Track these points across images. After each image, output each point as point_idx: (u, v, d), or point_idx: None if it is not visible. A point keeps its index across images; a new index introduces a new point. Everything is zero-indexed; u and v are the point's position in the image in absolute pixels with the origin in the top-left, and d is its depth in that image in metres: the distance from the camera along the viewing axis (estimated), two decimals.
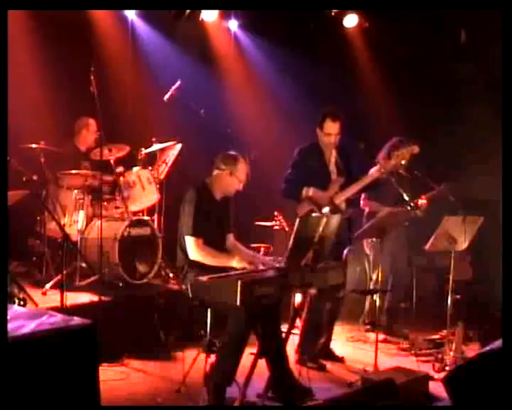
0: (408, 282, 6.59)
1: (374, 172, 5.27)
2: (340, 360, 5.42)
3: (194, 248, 4.35)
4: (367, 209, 6.26)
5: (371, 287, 6.19)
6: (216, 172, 4.54)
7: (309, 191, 5.14)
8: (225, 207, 4.66)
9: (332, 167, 5.36)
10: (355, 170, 5.42)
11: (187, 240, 4.37)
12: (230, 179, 4.51)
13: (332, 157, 5.36)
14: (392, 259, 6.12)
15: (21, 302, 4.77)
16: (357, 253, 6.72)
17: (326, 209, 5.06)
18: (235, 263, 4.29)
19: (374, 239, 6.11)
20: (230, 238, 4.71)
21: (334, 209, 5.12)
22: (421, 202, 6.18)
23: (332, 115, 5.21)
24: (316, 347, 5.30)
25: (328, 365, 5.28)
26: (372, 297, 6.09)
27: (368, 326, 6.28)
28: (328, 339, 5.50)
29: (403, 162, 5.57)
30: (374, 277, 6.23)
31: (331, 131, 5.21)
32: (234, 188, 4.56)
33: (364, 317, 6.47)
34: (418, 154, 6.38)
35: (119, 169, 6.14)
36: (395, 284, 6.18)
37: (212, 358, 4.23)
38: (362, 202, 6.27)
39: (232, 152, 4.63)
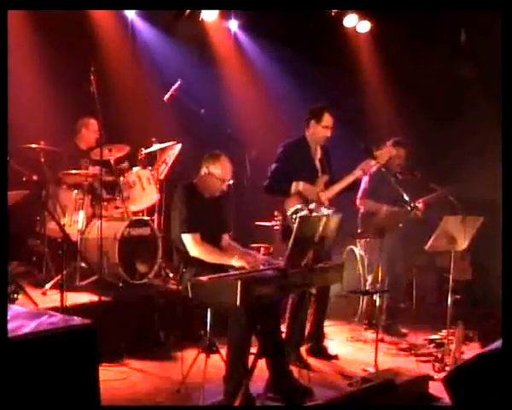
0: (405, 282, 6.59)
1: (356, 171, 5.29)
2: (334, 358, 5.43)
3: (192, 245, 4.34)
4: (362, 209, 6.26)
5: (367, 287, 6.19)
6: (199, 172, 4.55)
7: (299, 186, 5.14)
8: (218, 206, 4.63)
9: (317, 163, 5.38)
10: (352, 169, 5.43)
11: (184, 238, 4.36)
12: (211, 180, 4.49)
13: (317, 153, 5.38)
14: (390, 259, 6.12)
15: (14, 295, 4.77)
16: (351, 253, 6.72)
17: (312, 206, 5.06)
18: (235, 262, 4.28)
19: (368, 239, 6.11)
20: (226, 238, 4.70)
21: (320, 206, 5.13)
22: (418, 205, 6.17)
23: (329, 108, 5.26)
24: (299, 345, 5.30)
25: (327, 365, 5.30)
26: (372, 297, 6.09)
27: (366, 326, 6.28)
28: (321, 337, 5.53)
29: (381, 163, 5.57)
30: (369, 278, 6.23)
31: (329, 123, 5.25)
32: (217, 188, 4.52)
33: (359, 317, 6.46)
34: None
35: (124, 164, 6.14)
36: (393, 285, 6.19)
37: (212, 358, 4.24)
38: (358, 200, 6.27)
39: (215, 151, 4.56)
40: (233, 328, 4.05)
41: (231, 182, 4.71)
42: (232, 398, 4.01)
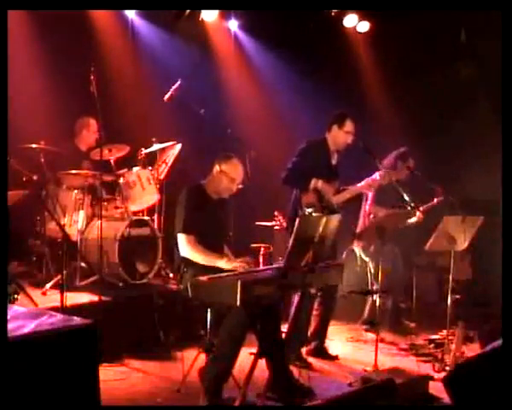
0: (406, 282, 6.60)
1: (363, 185, 5.44)
2: (335, 358, 5.44)
3: (184, 245, 4.37)
4: (372, 215, 6.27)
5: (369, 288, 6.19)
6: (211, 172, 4.58)
7: (318, 183, 5.19)
8: (222, 208, 4.66)
9: (333, 168, 5.44)
10: (355, 170, 5.47)
11: (178, 237, 4.40)
12: (222, 179, 4.52)
13: (334, 159, 5.43)
14: (390, 260, 6.13)
15: (14, 296, 4.77)
16: (351, 253, 6.71)
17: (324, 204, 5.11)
18: (224, 264, 4.29)
19: (372, 247, 6.12)
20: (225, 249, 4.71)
21: (332, 207, 5.16)
22: (418, 214, 6.20)
23: (350, 115, 5.37)
24: (301, 345, 5.32)
25: (327, 365, 5.30)
26: (372, 297, 6.09)
27: (367, 326, 6.28)
28: (323, 338, 5.53)
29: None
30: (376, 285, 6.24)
31: (351, 129, 5.34)
32: (226, 188, 4.56)
33: (364, 318, 6.46)
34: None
35: (123, 171, 6.14)
36: (395, 286, 6.21)
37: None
38: (368, 207, 6.30)
39: (228, 153, 4.64)
40: (230, 325, 4.04)
41: (240, 187, 4.73)
42: (215, 387, 4.06)
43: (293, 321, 5.18)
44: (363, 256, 6.33)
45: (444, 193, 6.21)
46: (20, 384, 2.78)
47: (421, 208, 6.10)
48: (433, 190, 6.27)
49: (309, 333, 5.47)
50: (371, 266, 6.21)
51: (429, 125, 7.95)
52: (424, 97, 7.99)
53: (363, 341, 6.04)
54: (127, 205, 6.06)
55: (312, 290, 5.29)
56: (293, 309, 5.22)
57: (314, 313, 5.46)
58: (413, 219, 6.12)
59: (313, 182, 5.19)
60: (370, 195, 6.24)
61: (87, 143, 6.37)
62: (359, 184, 5.45)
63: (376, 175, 5.47)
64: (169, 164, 6.51)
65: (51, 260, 5.74)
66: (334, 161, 5.46)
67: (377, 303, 5.31)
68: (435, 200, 6.28)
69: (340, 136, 5.36)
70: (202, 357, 4.37)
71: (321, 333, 5.51)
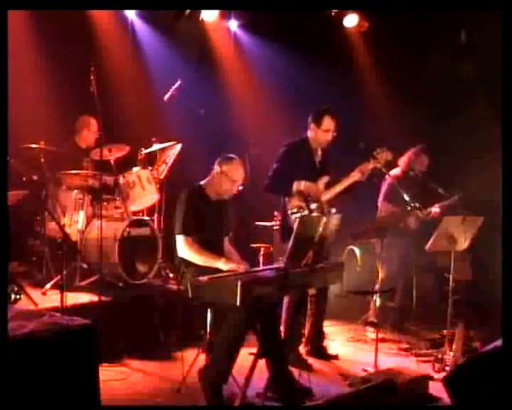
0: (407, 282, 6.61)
1: (354, 173, 5.28)
2: (335, 358, 5.43)
3: (182, 246, 4.39)
4: (382, 212, 6.27)
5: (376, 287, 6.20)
6: (211, 172, 4.58)
7: (300, 185, 5.12)
8: (222, 208, 4.66)
9: (318, 165, 5.39)
10: (350, 171, 5.43)
11: (177, 238, 4.42)
12: (222, 180, 4.52)
13: (319, 155, 5.38)
14: (401, 260, 6.13)
15: (17, 296, 4.77)
16: (351, 253, 6.72)
17: (314, 206, 5.06)
18: (222, 264, 4.28)
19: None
20: (226, 242, 4.72)
21: (321, 206, 5.14)
22: (435, 210, 6.21)
23: (330, 112, 5.26)
24: (298, 345, 5.31)
25: (327, 365, 5.30)
26: (372, 297, 6.09)
27: (369, 326, 6.28)
28: (321, 338, 5.53)
29: (378, 166, 5.48)
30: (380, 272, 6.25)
31: (330, 127, 5.23)
32: (227, 188, 4.55)
33: (367, 317, 6.46)
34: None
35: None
36: (404, 285, 6.23)
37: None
38: (379, 203, 6.29)
39: (229, 155, 4.64)
40: (230, 325, 4.05)
41: (241, 188, 4.72)
42: (215, 386, 4.06)
43: (290, 321, 5.17)
44: (376, 247, 6.33)
45: (445, 194, 6.22)
46: (20, 384, 2.78)
47: (436, 205, 6.23)
48: (435, 191, 6.28)
49: (306, 334, 5.47)
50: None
51: (429, 124, 7.94)
52: (424, 97, 7.99)
53: (363, 341, 6.04)
54: (127, 205, 6.07)
55: (312, 291, 5.30)
56: (284, 310, 5.20)
57: (308, 312, 5.44)
58: (433, 211, 6.22)
59: (295, 185, 5.10)
60: (382, 191, 6.24)
61: (87, 142, 6.38)
62: (352, 174, 5.30)
63: (355, 171, 5.32)
64: (169, 164, 6.50)
65: (51, 260, 5.74)
66: (318, 159, 5.37)
67: (377, 303, 5.31)
68: (456, 196, 6.28)
69: (319, 134, 5.25)
70: (202, 357, 4.37)
71: (318, 333, 5.50)
